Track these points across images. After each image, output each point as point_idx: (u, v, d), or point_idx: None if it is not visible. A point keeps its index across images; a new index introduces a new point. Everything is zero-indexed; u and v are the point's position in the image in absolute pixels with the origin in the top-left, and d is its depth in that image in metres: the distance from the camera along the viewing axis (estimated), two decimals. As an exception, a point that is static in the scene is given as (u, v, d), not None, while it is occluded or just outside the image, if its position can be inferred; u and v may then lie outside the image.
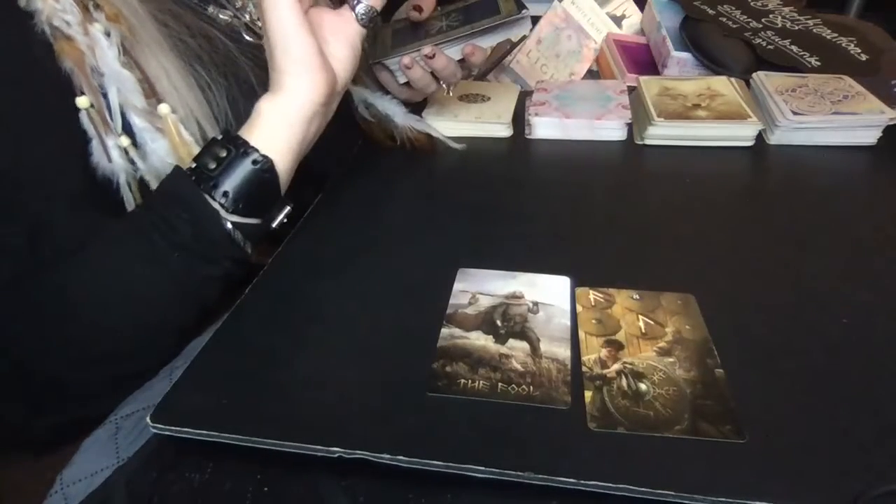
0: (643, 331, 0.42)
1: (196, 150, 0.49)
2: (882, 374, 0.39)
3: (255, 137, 0.46)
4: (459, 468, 0.33)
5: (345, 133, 0.68)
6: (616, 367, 0.39)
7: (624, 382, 0.38)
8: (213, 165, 0.45)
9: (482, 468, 0.33)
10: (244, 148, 0.46)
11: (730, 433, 0.35)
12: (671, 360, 0.40)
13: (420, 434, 0.36)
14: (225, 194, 0.45)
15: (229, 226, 0.45)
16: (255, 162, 0.45)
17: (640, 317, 0.43)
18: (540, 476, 0.33)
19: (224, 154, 0.45)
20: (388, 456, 0.34)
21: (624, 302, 0.45)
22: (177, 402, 0.38)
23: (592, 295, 0.46)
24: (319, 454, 0.35)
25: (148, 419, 0.36)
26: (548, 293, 0.46)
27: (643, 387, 0.38)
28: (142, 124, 0.47)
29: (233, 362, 0.41)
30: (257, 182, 0.46)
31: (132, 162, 0.47)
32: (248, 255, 0.47)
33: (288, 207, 0.50)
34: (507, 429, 0.36)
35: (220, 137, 0.46)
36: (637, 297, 0.45)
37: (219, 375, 0.40)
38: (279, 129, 0.47)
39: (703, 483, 0.32)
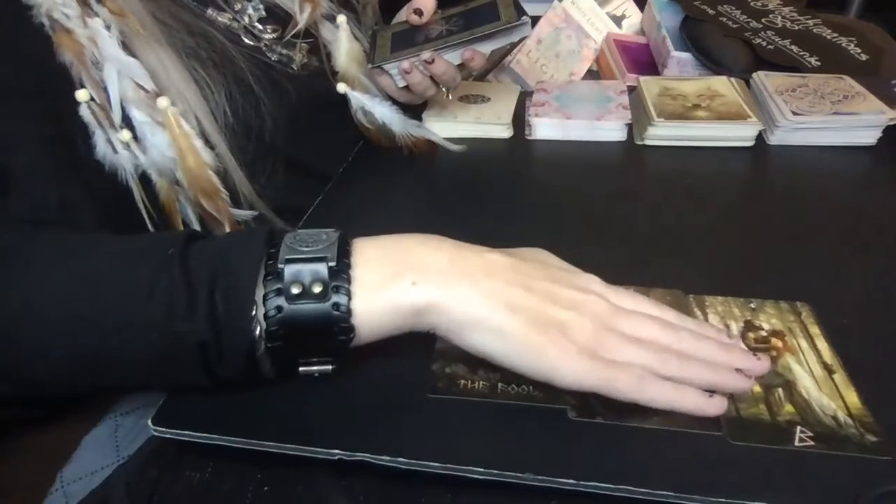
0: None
1: (197, 142, 0.49)
2: (881, 373, 0.39)
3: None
4: (459, 469, 0.33)
5: (345, 133, 0.68)
6: None
7: None
8: (295, 291, 0.34)
9: (482, 469, 0.33)
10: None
11: (707, 425, 0.35)
12: None
13: (420, 435, 0.36)
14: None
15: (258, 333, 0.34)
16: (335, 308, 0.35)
17: None
18: (540, 477, 0.33)
19: (319, 290, 0.34)
20: (388, 458, 0.34)
21: None
22: (178, 404, 0.38)
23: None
24: (320, 456, 0.35)
25: (149, 422, 0.36)
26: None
27: None
28: (142, 118, 0.47)
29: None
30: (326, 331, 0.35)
31: (135, 156, 0.47)
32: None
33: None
34: (508, 429, 0.36)
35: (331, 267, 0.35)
36: None
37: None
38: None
39: (703, 483, 0.32)
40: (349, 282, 0.35)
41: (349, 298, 0.34)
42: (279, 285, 0.34)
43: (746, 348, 0.39)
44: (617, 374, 0.35)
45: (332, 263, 0.34)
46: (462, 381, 0.39)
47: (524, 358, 0.35)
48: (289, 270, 0.34)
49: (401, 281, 0.35)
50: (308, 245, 0.35)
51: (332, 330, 0.34)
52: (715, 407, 0.35)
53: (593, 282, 0.39)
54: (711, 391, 0.36)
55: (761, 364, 0.38)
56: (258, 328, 0.34)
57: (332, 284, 0.34)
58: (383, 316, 0.35)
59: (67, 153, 0.44)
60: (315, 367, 0.37)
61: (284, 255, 0.34)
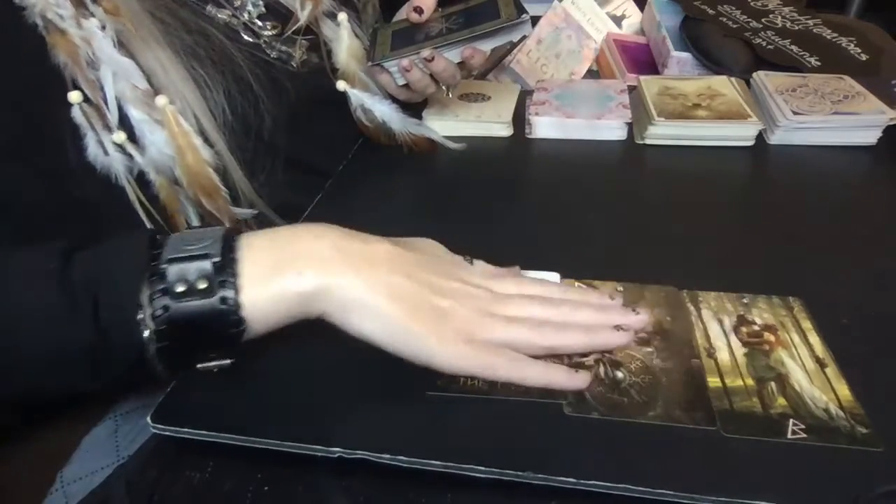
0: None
1: (195, 140, 0.48)
2: (881, 374, 0.39)
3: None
4: (459, 468, 0.33)
5: (344, 131, 0.68)
6: (594, 355, 0.40)
7: (601, 370, 0.39)
8: (181, 289, 0.34)
9: (482, 468, 0.33)
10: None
11: (701, 420, 0.35)
12: (649, 349, 0.40)
13: (420, 434, 0.36)
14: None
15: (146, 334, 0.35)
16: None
17: None
18: (540, 476, 0.33)
19: (204, 286, 0.35)
20: (389, 456, 0.34)
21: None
22: (177, 402, 0.38)
23: (577, 286, 0.46)
24: (320, 454, 0.35)
25: (148, 419, 0.36)
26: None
27: (619, 374, 0.39)
28: (140, 116, 0.47)
29: (233, 362, 0.41)
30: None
31: (130, 157, 0.47)
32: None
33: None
34: (507, 427, 0.36)
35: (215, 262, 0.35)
36: (621, 288, 0.45)
37: (219, 375, 0.40)
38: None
39: (703, 483, 0.32)
40: (235, 276, 0.35)
41: (236, 292, 0.35)
42: (164, 285, 0.34)
43: (625, 307, 0.43)
44: (493, 357, 0.37)
45: (217, 259, 0.35)
46: (462, 379, 0.39)
47: (405, 343, 0.37)
48: (172, 269, 0.34)
49: (287, 272, 0.36)
50: (192, 244, 0.36)
51: (221, 324, 0.35)
52: (580, 381, 0.38)
53: (474, 274, 0.42)
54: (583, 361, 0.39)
55: (639, 318, 0.41)
56: (146, 330, 0.34)
57: (217, 279, 0.35)
58: (272, 306, 0.36)
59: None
60: (213, 363, 0.37)
61: (168, 254, 0.35)
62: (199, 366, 0.37)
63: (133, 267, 0.35)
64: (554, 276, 0.47)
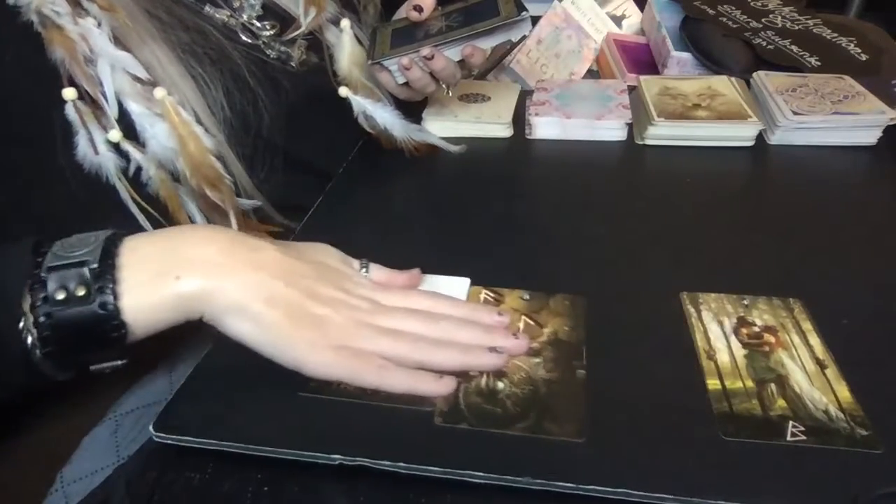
0: (521, 331, 0.42)
1: (197, 128, 0.48)
2: (881, 375, 0.39)
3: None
4: (458, 474, 0.33)
5: (344, 130, 0.68)
6: None
7: (483, 381, 0.39)
8: (61, 296, 0.34)
9: (482, 474, 0.33)
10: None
11: (569, 432, 0.35)
12: (538, 360, 0.40)
13: (421, 438, 0.36)
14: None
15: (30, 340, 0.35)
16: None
17: (523, 317, 0.43)
18: (538, 481, 0.33)
19: (83, 293, 0.35)
20: (389, 463, 0.34)
21: (512, 302, 0.45)
22: (179, 410, 0.38)
23: (483, 294, 0.46)
24: (320, 461, 0.35)
25: (151, 428, 0.37)
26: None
27: (500, 385, 0.38)
28: (139, 110, 0.46)
29: (233, 369, 0.41)
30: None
31: (126, 154, 0.47)
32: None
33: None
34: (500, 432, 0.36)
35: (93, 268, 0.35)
36: (527, 297, 0.45)
37: (220, 383, 0.40)
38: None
39: (702, 484, 0.32)
40: (114, 282, 0.35)
41: (115, 298, 0.35)
42: (45, 293, 0.35)
43: (510, 330, 0.42)
44: (360, 365, 0.38)
45: (94, 266, 0.35)
46: (335, 382, 0.39)
47: (277, 348, 0.37)
48: (53, 277, 0.35)
49: (168, 276, 0.37)
50: (75, 250, 0.36)
51: (103, 329, 0.35)
52: (445, 387, 0.38)
53: (361, 285, 0.42)
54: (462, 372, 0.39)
55: (517, 343, 0.41)
56: (29, 337, 0.34)
57: (95, 286, 0.35)
58: (152, 310, 0.36)
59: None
60: (106, 364, 0.37)
61: (49, 262, 0.35)
62: (91, 367, 0.37)
63: (15, 276, 0.35)
64: (463, 282, 0.47)
